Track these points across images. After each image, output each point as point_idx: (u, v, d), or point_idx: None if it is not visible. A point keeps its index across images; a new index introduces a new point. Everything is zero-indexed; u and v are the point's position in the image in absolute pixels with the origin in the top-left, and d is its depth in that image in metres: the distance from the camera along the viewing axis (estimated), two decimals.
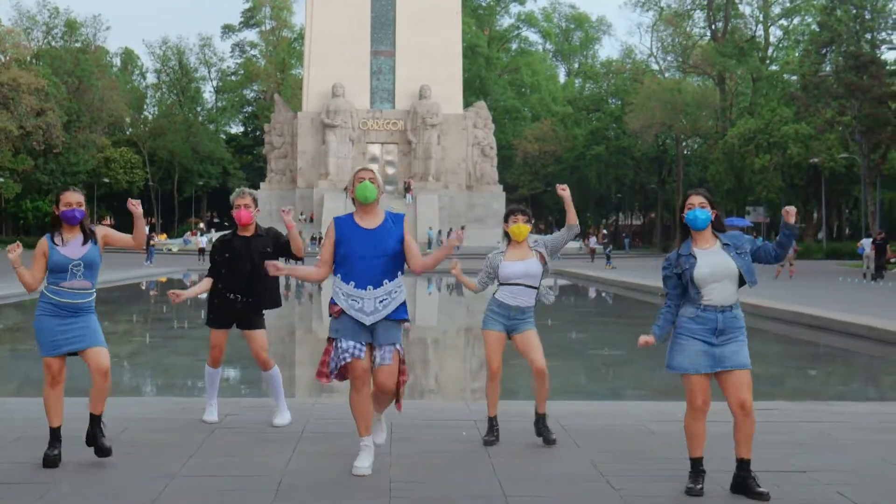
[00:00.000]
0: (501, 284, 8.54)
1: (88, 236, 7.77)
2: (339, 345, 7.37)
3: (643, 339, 7.14)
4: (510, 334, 8.53)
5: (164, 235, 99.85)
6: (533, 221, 8.68)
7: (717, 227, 7.09)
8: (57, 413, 7.69)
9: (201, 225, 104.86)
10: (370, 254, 7.35)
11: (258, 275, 8.76)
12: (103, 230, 7.98)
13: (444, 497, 6.73)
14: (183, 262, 58.25)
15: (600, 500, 6.67)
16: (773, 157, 78.74)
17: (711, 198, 7.12)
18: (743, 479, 6.86)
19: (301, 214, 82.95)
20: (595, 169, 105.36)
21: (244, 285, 8.99)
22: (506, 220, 8.59)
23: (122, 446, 8.07)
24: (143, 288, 39.39)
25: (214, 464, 7.64)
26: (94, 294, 7.80)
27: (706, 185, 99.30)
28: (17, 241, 8.17)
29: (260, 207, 9.30)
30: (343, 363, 7.35)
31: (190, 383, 14.53)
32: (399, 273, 7.50)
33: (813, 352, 19.36)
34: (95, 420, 7.73)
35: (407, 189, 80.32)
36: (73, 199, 7.73)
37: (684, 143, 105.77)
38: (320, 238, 74.46)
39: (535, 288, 8.52)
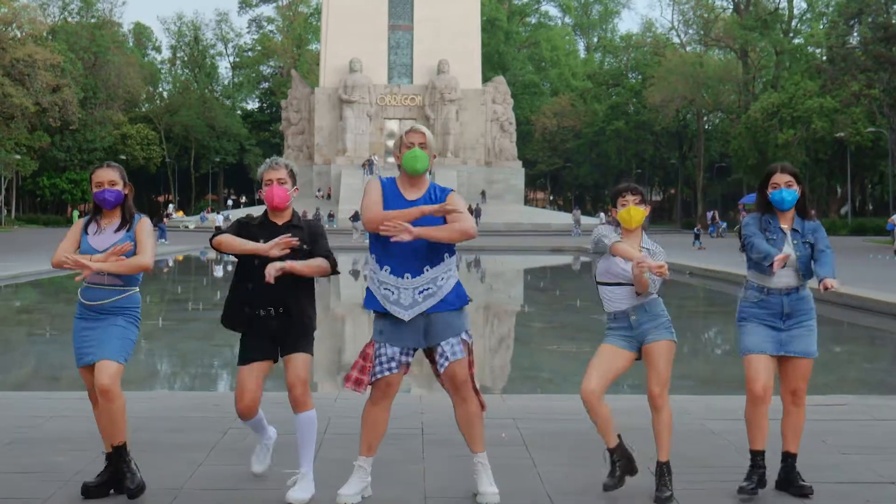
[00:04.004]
0: (599, 284, 6.58)
1: (126, 223, 6.39)
2: (382, 351, 6.14)
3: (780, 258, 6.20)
4: (642, 346, 6.50)
5: (182, 212, 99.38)
6: (648, 208, 6.59)
7: (801, 208, 6.51)
8: (123, 426, 6.27)
9: (230, 202, 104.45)
10: None
11: (293, 278, 6.34)
12: (144, 225, 6.43)
13: None
14: (200, 240, 57.56)
15: None
16: (797, 132, 77.50)
17: (798, 174, 6.50)
18: (786, 474, 6.46)
19: (318, 191, 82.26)
20: (615, 144, 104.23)
21: (277, 293, 6.32)
22: (613, 201, 6.55)
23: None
24: (160, 267, 38.65)
25: (225, 474, 6.81)
26: (130, 293, 6.34)
27: (728, 159, 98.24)
28: None
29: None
30: (385, 374, 6.12)
31: (202, 371, 13.78)
32: (447, 255, 6.16)
33: (857, 335, 18.50)
34: (115, 452, 6.26)
35: None
36: (105, 177, 6.35)
37: (705, 118, 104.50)
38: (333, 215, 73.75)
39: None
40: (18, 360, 14.80)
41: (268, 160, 6.59)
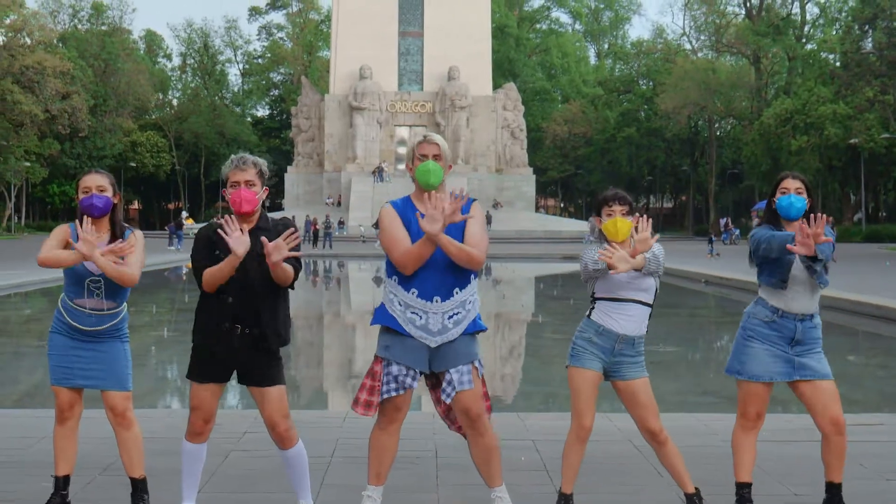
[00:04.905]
0: (599, 299, 5.93)
1: (115, 238, 5.87)
2: (389, 369, 5.63)
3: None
4: (608, 376, 5.96)
5: (192, 220, 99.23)
6: (637, 212, 5.97)
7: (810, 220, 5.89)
8: (65, 457, 5.96)
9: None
10: (436, 254, 5.51)
11: (260, 290, 5.64)
12: (136, 238, 5.90)
13: None
14: None
15: None
16: (811, 138, 76.89)
17: (809, 183, 6.02)
18: None
19: (328, 198, 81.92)
20: (626, 151, 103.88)
21: (242, 307, 5.64)
22: (597, 210, 5.99)
23: (119, 474, 6.72)
24: (167, 275, 38.28)
25: (227, 502, 6.35)
26: (122, 314, 5.95)
27: (740, 166, 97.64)
28: None
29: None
30: (392, 395, 5.63)
31: None
32: (472, 276, 5.69)
33: (877, 345, 17.95)
34: (134, 486, 6.00)
35: None
36: (93, 182, 5.85)
37: (717, 125, 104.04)
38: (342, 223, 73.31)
39: (650, 306, 5.91)
40: (20, 372, 14.34)
41: (233, 157, 5.77)
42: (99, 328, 5.85)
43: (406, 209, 5.66)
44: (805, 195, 5.91)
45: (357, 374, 14.11)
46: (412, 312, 5.58)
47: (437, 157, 5.65)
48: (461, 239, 5.57)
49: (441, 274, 5.57)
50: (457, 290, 5.61)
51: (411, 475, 6.96)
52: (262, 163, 5.81)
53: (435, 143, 5.68)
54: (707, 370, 15.12)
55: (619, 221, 5.80)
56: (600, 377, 5.89)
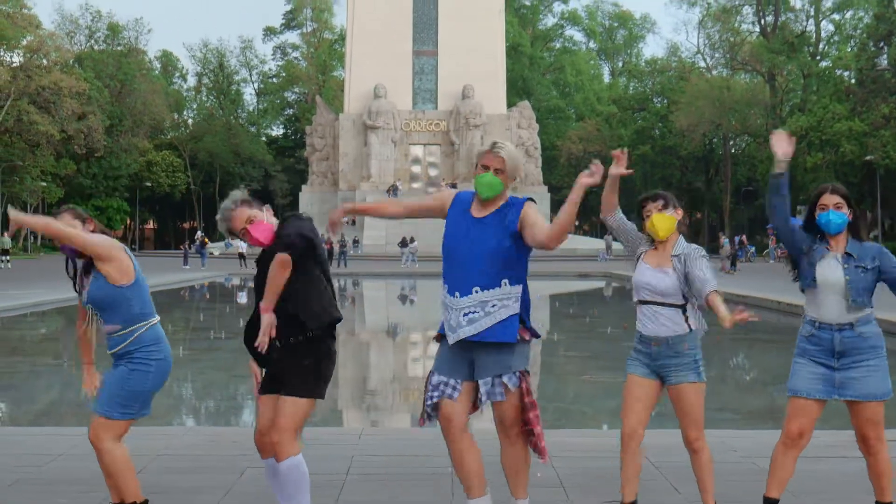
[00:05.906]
0: (637, 303, 6.07)
1: (90, 266, 5.73)
2: (431, 378, 5.71)
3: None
4: (664, 382, 6.00)
5: (207, 240, 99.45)
6: (680, 211, 6.01)
7: (855, 232, 5.90)
8: (125, 484, 5.66)
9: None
10: (465, 249, 5.56)
11: (284, 303, 5.71)
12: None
13: None
14: (225, 267, 57.34)
15: None
16: (826, 156, 76.67)
17: (850, 196, 5.94)
18: None
19: (344, 218, 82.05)
20: (640, 169, 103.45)
21: (278, 321, 5.73)
22: (638, 214, 6.05)
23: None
24: (182, 293, 38.34)
25: None
26: (132, 336, 5.70)
27: (755, 183, 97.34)
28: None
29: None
30: (432, 402, 5.66)
31: (222, 405, 13.29)
32: (505, 282, 5.56)
33: None
34: None
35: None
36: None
37: (732, 142, 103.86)
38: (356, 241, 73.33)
39: (681, 307, 5.95)
40: (36, 391, 14.36)
41: (233, 193, 5.92)
42: (113, 350, 5.73)
43: (460, 204, 5.76)
44: (845, 209, 5.83)
45: (373, 391, 14.09)
46: (443, 308, 5.70)
47: (498, 171, 5.65)
48: (507, 239, 5.61)
49: (463, 271, 5.57)
50: (476, 289, 5.54)
51: (428, 490, 6.92)
52: (240, 193, 5.91)
53: (500, 157, 5.67)
54: (723, 386, 15.03)
55: (655, 219, 5.89)
56: (648, 383, 5.94)
